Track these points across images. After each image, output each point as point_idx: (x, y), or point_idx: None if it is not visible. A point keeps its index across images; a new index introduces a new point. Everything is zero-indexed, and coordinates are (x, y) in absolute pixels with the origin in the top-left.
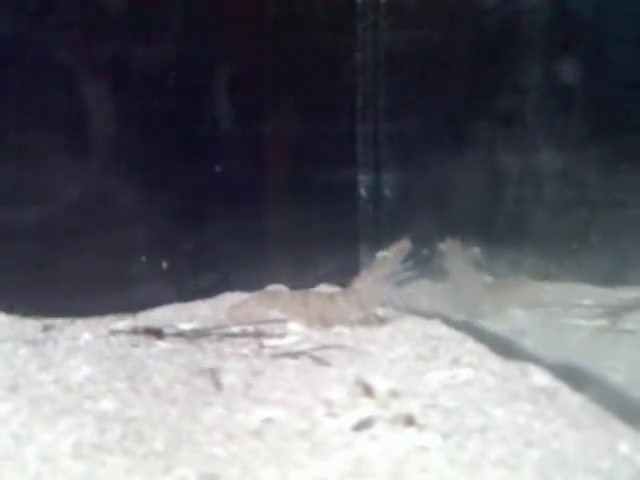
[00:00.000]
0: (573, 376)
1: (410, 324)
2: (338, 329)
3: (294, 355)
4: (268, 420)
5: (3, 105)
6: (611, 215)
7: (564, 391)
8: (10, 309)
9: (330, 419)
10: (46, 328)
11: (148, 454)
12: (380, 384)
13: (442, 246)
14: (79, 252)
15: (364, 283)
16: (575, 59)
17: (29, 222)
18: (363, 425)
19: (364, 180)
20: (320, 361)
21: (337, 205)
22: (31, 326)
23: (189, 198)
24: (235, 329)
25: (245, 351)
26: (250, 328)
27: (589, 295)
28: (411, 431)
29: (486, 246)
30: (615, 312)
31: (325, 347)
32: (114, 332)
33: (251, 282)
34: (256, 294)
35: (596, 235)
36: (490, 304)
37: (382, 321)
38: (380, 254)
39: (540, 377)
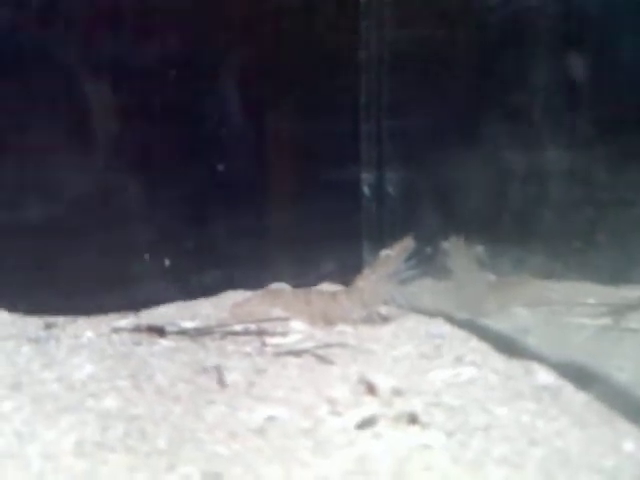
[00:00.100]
0: (577, 375)
1: (413, 322)
2: (341, 327)
3: (297, 353)
4: (271, 418)
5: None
6: (615, 214)
7: (568, 390)
8: (12, 307)
9: (333, 417)
10: (48, 326)
11: (151, 452)
12: (383, 382)
13: (445, 244)
14: (81, 250)
15: (367, 281)
16: (582, 57)
17: (31, 220)
18: (366, 423)
19: (367, 178)
20: (323, 359)
21: (340, 203)
22: (33, 324)
23: (191, 196)
24: (238, 327)
25: (248, 349)
26: (253, 326)
27: (593, 294)
28: (414, 429)
29: (490, 244)
30: (619, 311)
31: (328, 345)
32: (116, 330)
33: (254, 280)
34: (259, 292)
35: (600, 234)
36: (493, 302)
37: (385, 319)
38: (383, 252)
39: (544, 376)
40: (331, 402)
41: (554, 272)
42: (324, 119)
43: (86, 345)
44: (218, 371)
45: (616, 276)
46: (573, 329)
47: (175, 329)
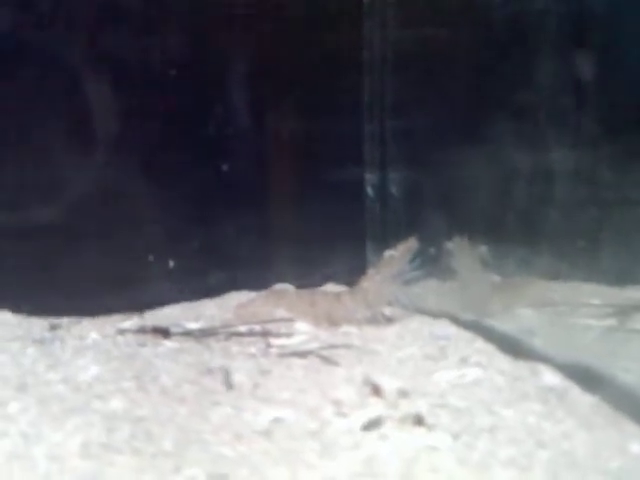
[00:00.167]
0: (583, 376)
1: (418, 323)
2: (345, 328)
3: (302, 354)
4: (277, 420)
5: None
6: (620, 214)
7: (574, 391)
8: (17, 308)
9: (339, 419)
10: (53, 327)
11: (157, 454)
12: (389, 384)
13: (450, 245)
14: (86, 251)
15: (371, 282)
16: (586, 56)
17: (35, 222)
18: (372, 425)
19: (371, 179)
20: (328, 360)
21: (344, 204)
22: (38, 325)
23: (195, 197)
24: (242, 328)
25: (252, 350)
26: (257, 327)
27: (598, 294)
28: (420, 431)
29: (494, 245)
30: (625, 312)
31: (333, 346)
32: (121, 331)
33: (258, 281)
34: (263, 293)
35: (605, 234)
36: (498, 303)
37: (389, 320)
38: (387, 253)
39: (550, 377)
40: (337, 403)
41: (559, 273)
42: (327, 119)
43: (91, 346)
44: (224, 372)
45: (622, 277)
46: (579, 330)
47: (180, 330)
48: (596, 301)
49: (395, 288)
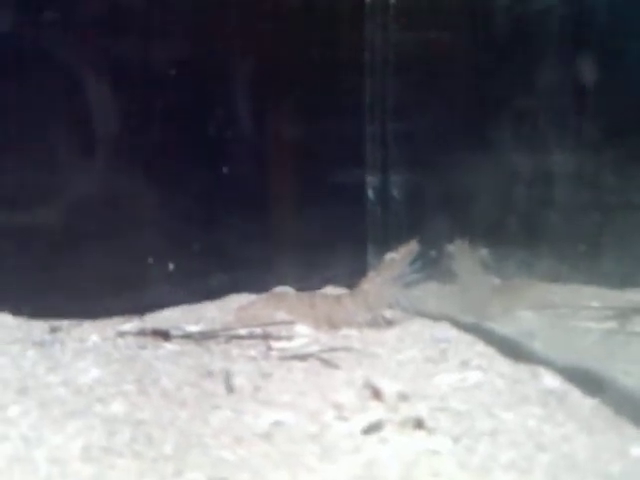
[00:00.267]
0: (583, 379)
1: (418, 326)
2: (346, 331)
3: (302, 357)
4: (277, 423)
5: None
6: (621, 217)
7: (574, 394)
8: (17, 311)
9: (339, 422)
10: (53, 330)
11: (158, 457)
12: (389, 387)
13: (450, 248)
14: (86, 253)
15: (372, 285)
16: (589, 60)
17: (36, 224)
18: (373, 428)
19: (372, 181)
20: (328, 363)
21: (345, 206)
22: (38, 328)
23: (196, 199)
24: (242, 331)
25: (253, 353)
26: (258, 330)
27: (599, 297)
28: (421, 434)
29: (495, 248)
30: (625, 314)
31: (333, 349)
32: (121, 334)
33: (258, 284)
34: (263, 296)
35: (606, 237)
36: (498, 306)
37: (390, 323)
38: (388, 256)
39: (550, 380)
40: (337, 407)
41: (560, 275)
42: (328, 121)
43: (91, 349)
44: (225, 375)
45: (622, 280)
46: (579, 333)
47: (180, 333)
48: (596, 304)
49: (396, 291)
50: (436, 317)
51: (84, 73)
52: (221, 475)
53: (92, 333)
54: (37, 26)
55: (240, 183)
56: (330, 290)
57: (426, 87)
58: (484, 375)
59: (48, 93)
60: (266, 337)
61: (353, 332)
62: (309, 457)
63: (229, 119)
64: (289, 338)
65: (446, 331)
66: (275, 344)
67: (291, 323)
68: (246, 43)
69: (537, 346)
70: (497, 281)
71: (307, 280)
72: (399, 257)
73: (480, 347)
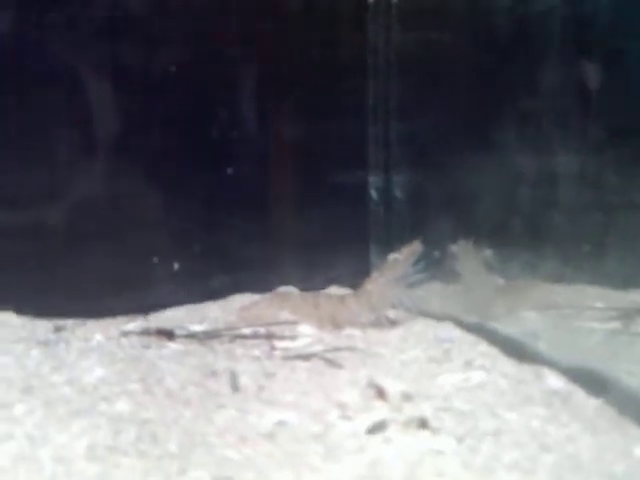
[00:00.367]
0: (587, 379)
1: (421, 326)
2: (349, 331)
3: (306, 357)
4: (281, 423)
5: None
6: (625, 218)
7: (578, 394)
8: (21, 310)
9: (343, 422)
10: (57, 329)
11: (162, 456)
12: (393, 387)
13: (454, 248)
14: (90, 253)
15: (375, 285)
16: (592, 61)
17: (40, 223)
18: (377, 428)
19: (375, 181)
20: (332, 363)
21: (348, 207)
22: (42, 327)
23: (200, 200)
24: (246, 331)
25: (257, 353)
26: (261, 330)
27: (602, 298)
28: (425, 434)
29: (498, 248)
30: (629, 315)
31: (336, 349)
32: (125, 333)
33: (261, 284)
34: (267, 296)
35: (610, 238)
36: (502, 306)
37: (393, 323)
38: (391, 256)
39: (554, 380)
40: (341, 406)
41: (563, 276)
42: (331, 122)
43: (96, 348)
44: (229, 375)
45: (626, 280)
46: (583, 333)
47: (184, 332)
48: (600, 304)
49: (399, 291)
50: (440, 317)
51: (88, 75)
52: (225, 474)
53: (96, 332)
54: (39, 27)
55: (244, 184)
56: (334, 290)
57: (429, 87)
58: (488, 375)
59: (48, 93)
60: (270, 337)
61: (357, 332)
62: (313, 457)
63: (232, 120)
64: (293, 338)
65: (450, 331)
66: (279, 344)
67: (295, 323)
68: (248, 44)
69: (541, 346)
70: (501, 281)
71: (311, 280)
72: (402, 257)
73: (484, 347)
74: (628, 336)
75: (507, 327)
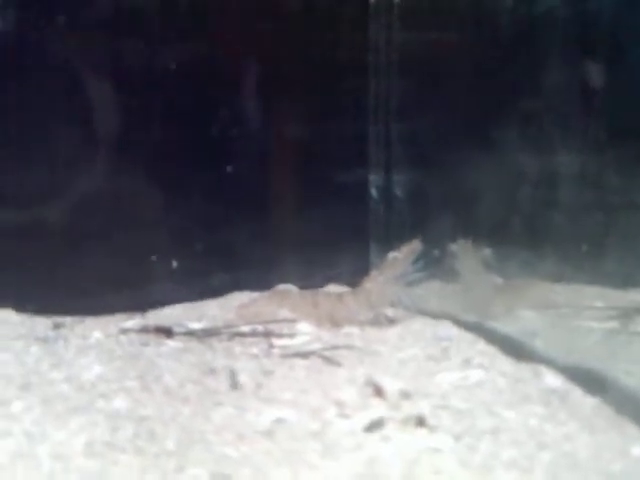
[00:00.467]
0: (585, 378)
1: (420, 325)
2: (348, 329)
3: (304, 355)
4: (279, 420)
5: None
6: (624, 217)
7: (576, 393)
8: (21, 307)
9: (341, 420)
10: (56, 326)
11: (160, 453)
12: (391, 385)
13: (453, 247)
14: (89, 251)
15: (374, 283)
16: (594, 61)
17: (39, 221)
18: (374, 426)
19: (375, 180)
20: (330, 361)
21: (348, 205)
22: (42, 324)
23: (199, 198)
24: (245, 328)
25: (255, 351)
26: (260, 328)
27: (601, 297)
28: (422, 432)
29: (497, 247)
30: (627, 314)
31: (335, 347)
32: (124, 331)
33: (260, 282)
34: (265, 294)
35: (609, 237)
36: (501, 305)
37: (392, 322)
38: (391, 254)
39: (552, 379)
40: (339, 404)
41: (562, 275)
42: (332, 121)
43: (94, 345)
44: (227, 372)
45: (625, 280)
46: (581, 332)
47: (182, 330)
48: (599, 304)
49: (398, 289)
50: (438, 316)
51: (90, 74)
52: (223, 471)
53: (95, 330)
54: (39, 27)
55: (244, 182)
56: (333, 288)
57: (430, 87)
58: (486, 374)
59: (48, 90)
60: (268, 335)
61: (355, 330)
62: (311, 454)
63: (232, 119)
64: (291, 336)
65: (448, 330)
66: (277, 342)
67: (293, 321)
68: (249, 44)
69: (539, 345)
70: (499, 280)
71: (310, 278)
72: (402, 256)
73: (482, 346)
74: (626, 335)
75: (506, 326)
